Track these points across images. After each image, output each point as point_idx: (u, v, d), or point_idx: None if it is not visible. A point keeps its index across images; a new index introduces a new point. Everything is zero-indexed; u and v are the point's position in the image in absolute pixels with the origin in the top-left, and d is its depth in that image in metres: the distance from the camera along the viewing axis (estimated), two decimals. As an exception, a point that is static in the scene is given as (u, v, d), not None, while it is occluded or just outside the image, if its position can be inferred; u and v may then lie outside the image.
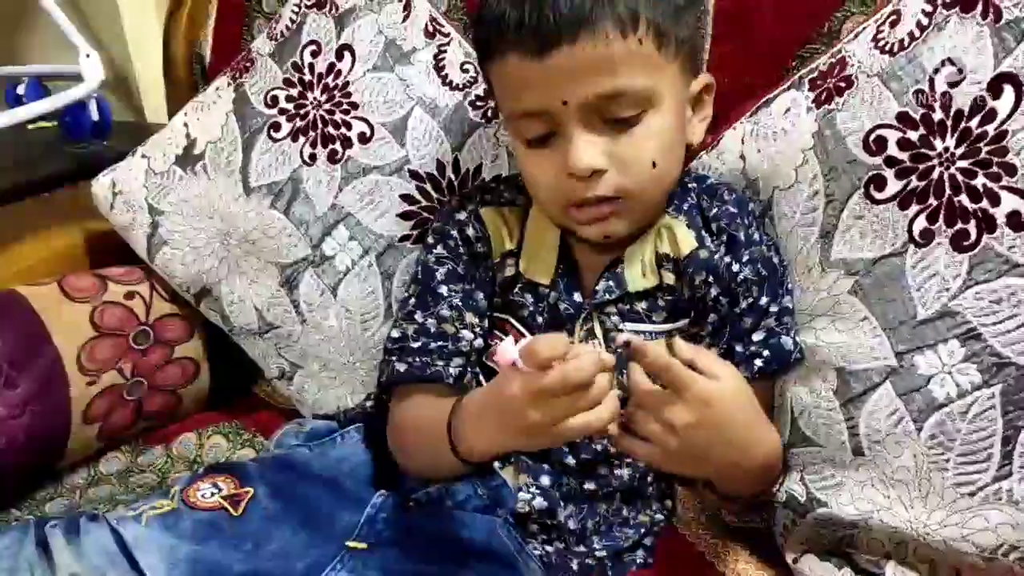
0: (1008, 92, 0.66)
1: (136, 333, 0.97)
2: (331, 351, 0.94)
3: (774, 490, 0.75)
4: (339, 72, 0.95)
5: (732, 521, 0.80)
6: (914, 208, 0.69)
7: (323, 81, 0.95)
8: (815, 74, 0.78)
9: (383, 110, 0.93)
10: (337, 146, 0.93)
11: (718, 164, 0.83)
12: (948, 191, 0.68)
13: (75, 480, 0.93)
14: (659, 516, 0.80)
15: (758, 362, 0.75)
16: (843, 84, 0.75)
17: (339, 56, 0.95)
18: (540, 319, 0.80)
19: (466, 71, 0.93)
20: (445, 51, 0.93)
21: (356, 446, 0.83)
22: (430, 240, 0.85)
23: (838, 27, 0.81)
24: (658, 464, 0.69)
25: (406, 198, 0.92)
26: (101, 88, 1.47)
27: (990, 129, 0.66)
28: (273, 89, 0.97)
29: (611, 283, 0.77)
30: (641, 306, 0.78)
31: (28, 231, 1.06)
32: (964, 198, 0.67)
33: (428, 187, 0.92)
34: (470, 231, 0.82)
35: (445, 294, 0.81)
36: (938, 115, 0.68)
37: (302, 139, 0.95)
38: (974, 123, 0.67)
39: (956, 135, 0.68)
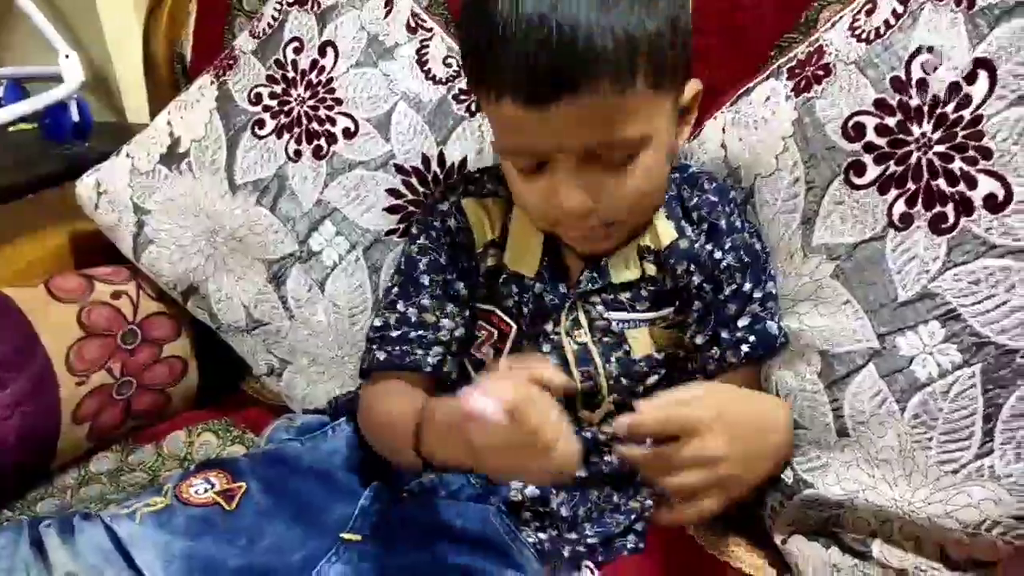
0: (983, 77, 0.67)
1: (124, 333, 0.97)
2: (319, 346, 0.94)
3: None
4: (322, 68, 0.95)
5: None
6: (893, 193, 0.70)
7: (307, 78, 0.95)
8: (793, 63, 0.79)
9: (367, 105, 0.93)
10: (322, 142, 0.94)
11: (700, 153, 0.84)
12: (926, 175, 0.69)
13: (66, 480, 0.93)
14: (649, 502, 0.80)
15: (744, 347, 0.76)
16: (821, 72, 0.76)
17: (322, 52, 0.95)
18: (525, 309, 0.80)
19: (449, 65, 0.93)
20: (428, 46, 0.94)
21: (348, 439, 0.84)
22: (414, 231, 0.85)
23: (815, 16, 0.82)
24: (729, 501, 0.69)
25: (392, 192, 0.92)
26: (81, 89, 1.47)
27: (966, 114, 0.67)
28: (257, 86, 0.97)
29: (595, 274, 0.78)
30: (625, 296, 0.79)
31: (13, 233, 1.06)
32: (942, 182, 0.68)
33: (414, 181, 0.92)
34: (452, 222, 0.82)
35: (427, 284, 0.81)
36: (915, 101, 0.70)
37: (287, 136, 0.95)
38: (950, 108, 0.68)
39: (933, 120, 0.69)
